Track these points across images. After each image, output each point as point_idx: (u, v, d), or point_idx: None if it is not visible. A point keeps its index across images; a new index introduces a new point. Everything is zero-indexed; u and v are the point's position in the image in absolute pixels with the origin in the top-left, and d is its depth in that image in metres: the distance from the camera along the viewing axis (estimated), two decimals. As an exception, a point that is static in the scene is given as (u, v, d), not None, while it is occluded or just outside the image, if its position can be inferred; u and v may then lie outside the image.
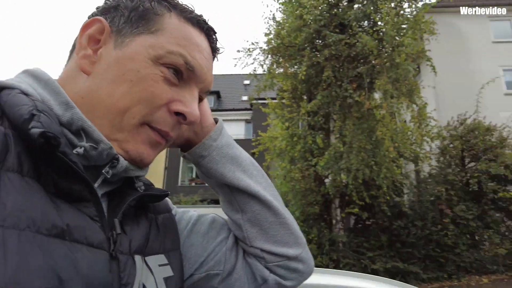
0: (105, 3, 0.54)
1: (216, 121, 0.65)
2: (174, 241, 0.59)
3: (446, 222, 7.46)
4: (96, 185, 0.46)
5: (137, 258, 0.48)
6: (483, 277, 7.07)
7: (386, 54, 7.15)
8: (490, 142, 8.48)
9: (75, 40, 0.53)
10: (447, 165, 8.79)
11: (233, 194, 0.62)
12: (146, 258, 0.50)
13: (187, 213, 0.67)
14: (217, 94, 23.26)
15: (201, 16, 0.56)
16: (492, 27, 13.76)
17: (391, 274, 7.10)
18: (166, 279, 0.52)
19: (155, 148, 0.52)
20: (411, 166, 9.32)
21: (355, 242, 7.64)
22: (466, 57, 13.06)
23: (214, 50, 0.59)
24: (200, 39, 0.54)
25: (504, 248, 7.45)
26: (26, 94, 0.44)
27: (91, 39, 0.51)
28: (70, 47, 0.56)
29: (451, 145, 8.88)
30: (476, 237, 7.74)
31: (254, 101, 9.81)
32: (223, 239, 0.64)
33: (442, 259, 7.33)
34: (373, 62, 7.19)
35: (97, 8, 0.55)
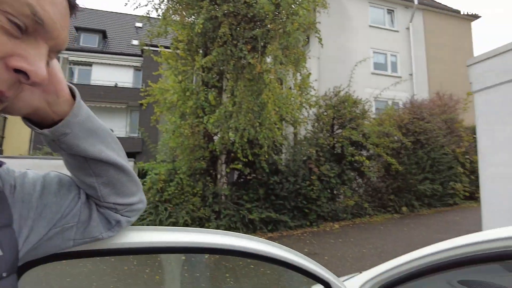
0: None
1: (70, 89, 0.60)
2: (3, 217, 0.54)
3: (313, 178, 8.66)
4: None
5: None
6: (335, 224, 8.59)
7: (280, 21, 7.46)
8: (355, 113, 9.90)
9: None
10: (319, 130, 9.98)
11: (88, 163, 0.63)
12: None
13: (27, 176, 0.63)
14: (103, 33, 20.32)
15: None
16: (370, 12, 15.57)
17: (265, 222, 8.03)
18: None
19: None
20: (291, 129, 10.30)
21: (236, 195, 8.25)
22: (346, 34, 14.56)
23: (73, 6, 0.53)
24: None
25: (353, 200, 9.16)
26: None
27: None
28: None
29: (325, 113, 10.08)
30: (335, 192, 9.25)
31: (146, 48, 9.10)
32: (75, 195, 0.66)
33: (307, 210, 8.58)
34: (268, 26, 7.43)
35: None
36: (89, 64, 18.90)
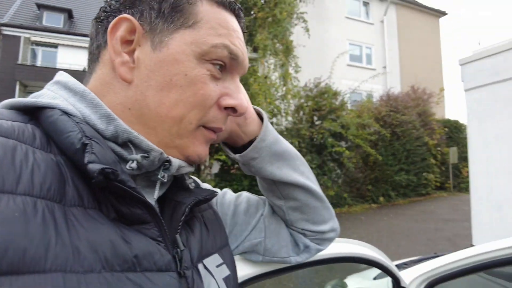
0: None
1: (257, 112, 0.63)
2: (222, 237, 0.60)
3: (296, 169, 8.76)
4: (155, 195, 0.46)
5: (200, 267, 0.49)
6: (315, 213, 8.79)
7: (268, 9, 7.35)
8: (334, 105, 10.08)
9: (98, 41, 0.48)
10: (300, 121, 10.10)
11: (276, 185, 0.64)
12: (204, 262, 0.51)
13: (225, 195, 0.71)
14: (68, 13, 19.00)
15: None
16: (347, 4, 15.77)
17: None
18: (225, 279, 0.53)
19: (209, 144, 0.52)
20: (274, 120, 10.31)
21: (220, 187, 8.14)
22: (325, 25, 14.68)
23: (242, 29, 0.55)
24: (234, 22, 0.51)
25: (333, 190, 9.39)
26: (66, 113, 0.41)
27: (123, 41, 0.46)
28: (89, 48, 0.50)
29: (306, 104, 10.17)
30: (315, 182, 9.41)
31: None
32: (261, 213, 0.69)
33: (288, 200, 8.68)
34: (256, 14, 7.30)
35: (116, 1, 0.47)
36: (54, 46, 17.59)
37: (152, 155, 0.44)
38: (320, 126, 9.82)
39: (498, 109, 3.91)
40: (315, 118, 10.40)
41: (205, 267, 0.50)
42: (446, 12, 18.42)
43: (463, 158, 10.90)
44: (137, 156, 0.43)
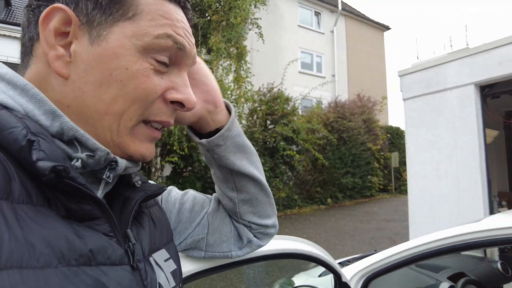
0: None
1: (225, 104, 0.67)
2: (168, 233, 0.61)
3: (249, 172, 8.86)
4: (99, 194, 0.45)
5: (151, 260, 0.50)
6: (267, 215, 8.93)
7: (222, 13, 7.38)
8: (287, 110, 10.38)
9: (30, 33, 0.44)
10: (254, 125, 10.24)
11: (233, 176, 0.67)
12: (154, 256, 0.51)
13: (170, 194, 0.71)
14: (5, 0, 17.47)
15: None
16: (299, 12, 16.32)
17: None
18: (172, 273, 0.54)
19: (153, 142, 0.51)
20: (227, 123, 10.30)
21: (172, 190, 7.99)
22: (279, 32, 15.06)
23: (189, 21, 0.54)
24: (179, 14, 0.48)
25: (284, 192, 9.62)
26: (6, 107, 0.39)
27: (57, 33, 0.42)
28: (21, 40, 0.46)
29: (260, 108, 10.34)
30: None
31: None
32: (206, 211, 0.71)
33: (241, 203, 8.74)
34: (210, 17, 7.29)
35: None
36: (-12, 36, 16.07)
37: (98, 154, 0.42)
38: (273, 130, 10.05)
39: (431, 117, 4.31)
40: (268, 122, 10.63)
41: (155, 261, 0.51)
42: (390, 26, 19.86)
43: (404, 162, 11.77)
44: (82, 154, 0.41)
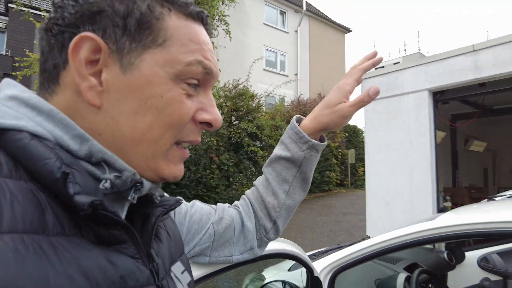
0: (81, 7, 0.41)
1: None
2: (180, 244, 0.62)
3: (214, 167, 8.88)
4: (123, 216, 0.45)
5: (172, 274, 0.52)
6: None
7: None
8: (251, 107, 10.48)
9: (54, 60, 0.43)
10: (219, 120, 10.18)
11: (298, 182, 0.81)
12: (172, 268, 0.53)
13: (181, 205, 0.72)
14: None
15: (192, 3, 0.49)
16: (265, 11, 16.44)
17: (164, 212, 7.84)
18: (188, 285, 0.56)
19: (184, 160, 0.52)
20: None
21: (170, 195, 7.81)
22: (244, 29, 15.07)
23: (210, 36, 0.55)
24: (204, 34, 0.49)
25: (247, 187, 9.75)
26: (36, 135, 0.38)
27: (87, 62, 0.41)
28: (42, 64, 0.44)
29: (225, 104, 10.35)
30: (231, 180, 9.68)
31: (16, 7, 7.40)
32: (212, 221, 0.76)
33: (206, 198, 8.74)
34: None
35: (69, 13, 0.41)
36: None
37: (125, 174, 0.42)
38: (238, 126, 10.11)
39: (389, 120, 4.62)
40: (233, 118, 10.66)
41: (175, 275, 0.53)
42: (351, 29, 20.64)
43: (360, 159, 12.44)
44: (111, 176, 0.41)
